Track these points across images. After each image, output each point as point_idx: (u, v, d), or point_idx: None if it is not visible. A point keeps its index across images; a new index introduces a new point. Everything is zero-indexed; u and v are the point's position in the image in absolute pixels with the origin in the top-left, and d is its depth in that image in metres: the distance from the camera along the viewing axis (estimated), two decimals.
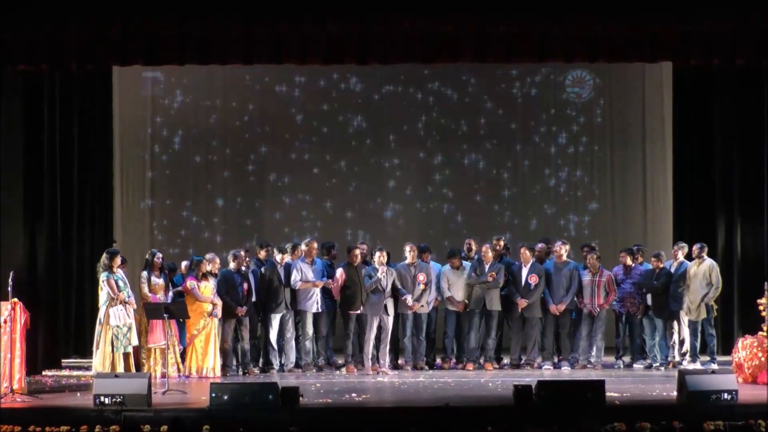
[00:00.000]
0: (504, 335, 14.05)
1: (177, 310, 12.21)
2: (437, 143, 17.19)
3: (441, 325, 13.82)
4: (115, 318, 12.05)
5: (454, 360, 13.76)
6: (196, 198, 17.09)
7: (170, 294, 12.83)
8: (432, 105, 17.16)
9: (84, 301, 14.86)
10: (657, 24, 12.38)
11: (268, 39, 12.51)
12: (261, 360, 13.44)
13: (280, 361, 13.34)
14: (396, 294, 13.26)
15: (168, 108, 16.99)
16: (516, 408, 10.12)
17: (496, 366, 13.71)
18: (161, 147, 17.01)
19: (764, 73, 13.57)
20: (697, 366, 13.08)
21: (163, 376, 12.06)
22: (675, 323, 13.63)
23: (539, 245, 14.01)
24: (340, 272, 13.30)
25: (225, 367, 12.94)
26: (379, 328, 13.18)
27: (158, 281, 12.73)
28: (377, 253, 13.18)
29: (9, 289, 11.20)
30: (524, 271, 13.55)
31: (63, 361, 14.06)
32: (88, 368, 12.95)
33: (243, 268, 13.10)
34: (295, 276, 13.21)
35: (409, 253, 13.49)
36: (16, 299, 11.32)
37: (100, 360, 12.10)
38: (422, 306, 13.46)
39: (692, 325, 13.51)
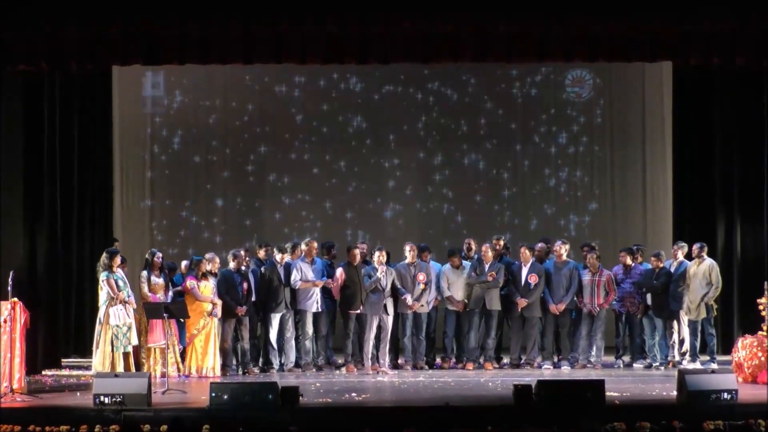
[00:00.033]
0: (504, 335, 14.05)
1: (177, 310, 12.21)
2: (437, 143, 17.19)
3: (441, 324, 13.82)
4: (115, 317, 12.06)
5: (453, 359, 13.76)
6: (196, 198, 17.08)
7: (170, 293, 12.83)
8: (432, 105, 17.15)
9: (84, 300, 14.86)
10: (657, 24, 12.39)
11: (268, 39, 12.52)
12: (261, 359, 13.44)
13: (280, 361, 13.34)
14: (396, 293, 13.27)
15: (167, 108, 16.98)
16: (516, 408, 10.12)
17: (496, 365, 13.71)
18: (161, 147, 17.01)
19: (764, 73, 13.57)
20: (697, 366, 13.09)
21: (163, 375, 12.07)
22: (675, 323, 13.63)
23: (539, 245, 14.01)
24: (339, 272, 13.30)
25: (225, 366, 12.94)
26: (379, 327, 13.19)
27: (158, 281, 12.74)
28: (377, 253, 13.18)
29: (9, 288, 11.21)
30: (524, 271, 13.56)
31: (63, 360, 14.05)
32: (88, 368, 12.96)
33: (243, 268, 13.10)
34: (295, 275, 13.22)
35: (409, 253, 13.50)
36: (15, 299, 11.33)
37: (99, 359, 12.11)
38: (422, 305, 13.46)
39: (692, 324, 13.52)
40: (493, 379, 12.55)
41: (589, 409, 9.94)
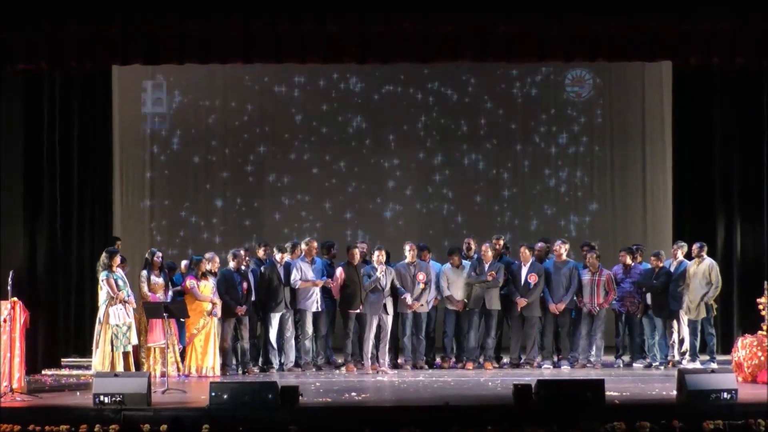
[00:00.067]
0: (503, 334, 14.05)
1: (176, 310, 12.20)
2: (437, 143, 17.19)
3: (440, 324, 13.82)
4: (115, 317, 12.06)
5: (453, 359, 13.76)
6: (195, 198, 17.08)
7: (170, 293, 12.83)
8: (432, 105, 17.15)
9: (84, 300, 14.86)
10: (657, 24, 12.40)
11: (268, 39, 12.53)
12: (260, 359, 13.45)
13: (280, 361, 13.34)
14: (395, 293, 13.26)
15: (167, 108, 16.97)
16: (516, 407, 10.12)
17: (496, 365, 13.71)
18: (160, 147, 17.00)
19: (764, 73, 13.57)
20: (697, 365, 13.08)
21: (163, 375, 12.06)
22: (675, 322, 13.62)
23: (539, 244, 14.02)
24: (339, 271, 13.30)
25: (224, 366, 12.94)
26: (379, 327, 13.18)
27: (158, 280, 12.74)
28: (376, 252, 13.18)
29: (9, 288, 11.21)
30: (524, 271, 13.56)
31: (63, 360, 14.05)
32: (88, 367, 12.96)
33: (242, 268, 13.10)
34: (295, 275, 13.22)
35: (409, 252, 13.50)
36: (15, 298, 11.33)
37: (99, 359, 12.11)
38: (422, 305, 13.46)
39: (692, 324, 13.52)
40: (492, 378, 12.55)
41: (589, 408, 9.93)
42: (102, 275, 12.19)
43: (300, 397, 10.11)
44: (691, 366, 13.00)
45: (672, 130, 16.28)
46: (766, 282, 11.91)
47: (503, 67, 16.60)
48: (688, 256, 13.63)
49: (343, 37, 12.56)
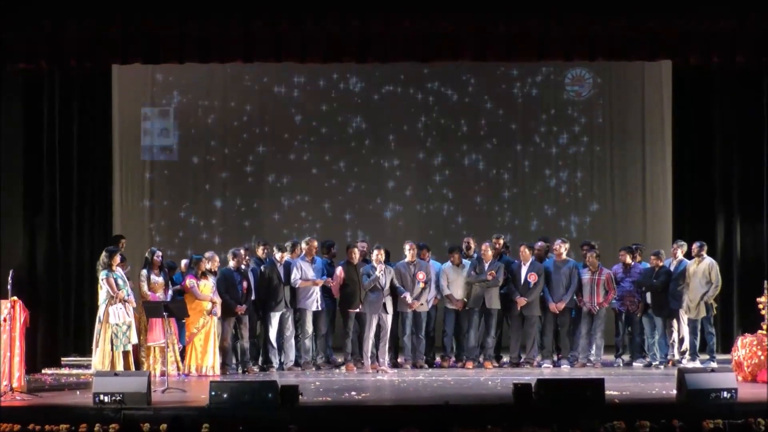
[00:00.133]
0: (503, 334, 14.05)
1: (176, 309, 12.20)
2: (437, 143, 17.18)
3: (440, 323, 13.82)
4: (115, 316, 12.05)
5: (453, 358, 13.76)
6: (195, 199, 17.06)
7: (170, 292, 12.83)
8: (432, 105, 17.14)
9: (83, 299, 14.86)
10: (657, 23, 12.39)
11: (268, 38, 12.52)
12: (260, 358, 13.45)
13: (280, 360, 13.34)
14: (395, 292, 13.26)
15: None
16: (515, 406, 10.13)
17: (496, 364, 13.71)
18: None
19: (764, 73, 13.58)
20: (697, 364, 13.08)
21: (163, 374, 12.05)
22: (674, 322, 13.61)
23: (539, 244, 14.04)
24: (339, 270, 13.31)
25: (224, 365, 12.94)
26: (379, 326, 13.18)
27: (158, 279, 12.75)
28: (375, 252, 13.18)
29: (9, 287, 11.22)
30: (524, 270, 13.56)
31: (62, 359, 14.06)
32: (88, 366, 12.96)
33: (242, 267, 13.10)
34: (295, 274, 13.22)
35: (409, 252, 13.49)
36: (15, 297, 11.33)
37: (99, 358, 12.10)
38: (422, 304, 13.46)
39: (692, 323, 13.52)
40: (492, 377, 12.55)
41: (589, 408, 9.93)
42: (102, 274, 12.19)
43: (300, 397, 10.11)
44: (690, 365, 12.99)
45: (672, 129, 16.29)
46: (766, 281, 11.92)
47: (503, 67, 16.62)
48: (688, 255, 13.63)
49: (342, 36, 12.56)
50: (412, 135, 17.15)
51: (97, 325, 12.21)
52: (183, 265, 13.60)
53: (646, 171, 16.95)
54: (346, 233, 16.75)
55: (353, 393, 11.15)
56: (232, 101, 17.06)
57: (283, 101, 17.07)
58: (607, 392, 10.28)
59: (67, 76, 14.33)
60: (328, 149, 17.09)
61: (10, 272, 11.33)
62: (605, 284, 13.52)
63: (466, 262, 13.69)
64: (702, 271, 13.37)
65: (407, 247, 13.55)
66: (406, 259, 13.50)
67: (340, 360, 13.57)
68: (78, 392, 11.29)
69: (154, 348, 12.60)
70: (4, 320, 11.12)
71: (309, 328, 13.39)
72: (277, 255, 13.37)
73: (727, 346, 13.81)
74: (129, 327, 12.17)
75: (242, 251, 13.21)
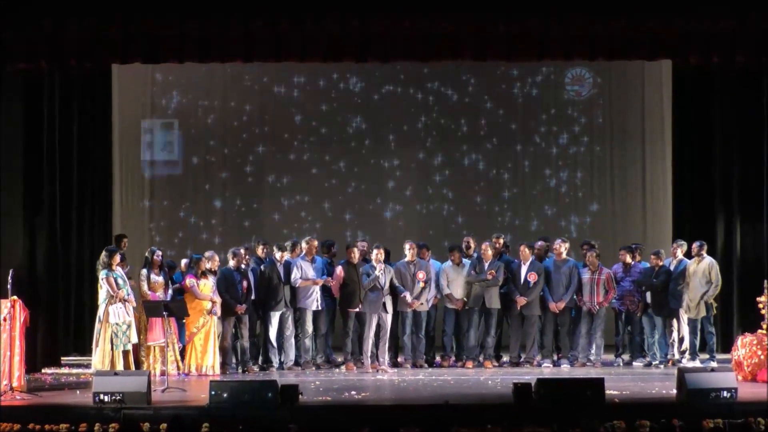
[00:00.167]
0: (503, 333, 14.05)
1: (176, 309, 12.20)
2: (437, 143, 17.17)
3: (440, 322, 13.82)
4: (115, 316, 12.06)
5: (453, 358, 13.76)
6: (195, 199, 17.06)
7: (169, 291, 12.84)
8: (432, 105, 17.14)
9: (83, 299, 14.86)
10: (657, 23, 12.39)
11: (268, 38, 12.52)
12: (260, 358, 13.45)
13: (280, 359, 13.34)
14: (394, 292, 13.26)
15: (165, 108, 16.97)
16: (515, 406, 10.13)
17: (496, 364, 13.72)
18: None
19: (764, 73, 13.58)
20: (697, 364, 13.06)
21: (163, 374, 12.05)
22: (674, 321, 13.60)
23: (539, 243, 14.05)
24: (339, 270, 13.31)
25: (224, 365, 12.94)
26: (378, 325, 13.18)
27: (158, 279, 12.75)
28: (374, 251, 13.18)
29: (9, 287, 11.22)
30: (523, 269, 13.56)
31: (62, 358, 14.06)
32: (88, 366, 12.95)
33: (242, 266, 13.10)
34: (295, 274, 13.22)
35: (409, 251, 13.49)
36: (15, 297, 11.33)
37: (99, 358, 12.11)
38: (422, 304, 13.46)
39: (692, 323, 13.51)
40: (492, 377, 12.55)
41: (589, 407, 9.92)
42: (102, 274, 12.19)
43: (300, 396, 10.10)
44: (690, 365, 12.98)
45: (672, 129, 16.29)
46: (766, 281, 11.92)
47: (503, 67, 16.62)
48: (688, 254, 13.62)
49: (342, 36, 12.56)
50: (412, 135, 17.15)
51: (97, 325, 12.21)
52: (183, 264, 13.59)
53: (646, 171, 16.96)
54: (346, 233, 16.74)
55: (353, 392, 11.15)
56: (232, 101, 17.06)
57: (283, 101, 17.07)
58: (607, 392, 10.27)
59: (67, 76, 14.32)
60: (328, 149, 17.09)
61: (10, 272, 11.33)
62: (605, 284, 13.52)
63: (466, 261, 13.69)
64: (702, 270, 13.37)
65: (407, 246, 13.55)
66: (406, 259, 13.50)
67: (340, 359, 13.56)
68: (78, 392, 11.29)
69: (154, 347, 12.60)
70: (4, 320, 11.13)
71: (309, 327, 13.39)
72: (277, 254, 13.37)
73: (727, 345, 13.81)
74: (129, 326, 12.17)
75: (242, 251, 13.22)
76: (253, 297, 13.18)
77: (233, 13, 12.34)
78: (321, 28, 12.42)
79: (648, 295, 13.60)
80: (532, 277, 13.46)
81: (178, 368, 12.67)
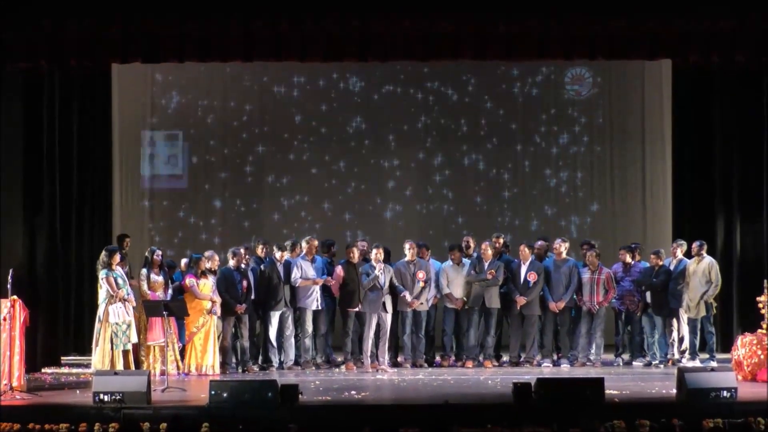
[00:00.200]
0: (503, 333, 14.04)
1: (176, 308, 12.20)
2: (437, 143, 17.16)
3: (440, 322, 13.81)
4: (115, 315, 12.06)
5: (453, 357, 13.75)
6: (195, 199, 17.05)
7: (169, 291, 12.83)
8: (432, 105, 17.13)
9: (83, 298, 14.85)
10: (656, 23, 12.40)
11: (268, 38, 12.53)
12: (260, 357, 13.45)
13: (280, 359, 13.34)
14: (394, 291, 13.26)
15: (165, 108, 16.96)
16: (515, 405, 10.14)
17: (496, 363, 13.71)
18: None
19: (764, 73, 13.58)
20: (697, 364, 13.07)
21: (163, 373, 12.04)
22: (674, 321, 13.60)
23: (538, 243, 14.05)
24: (339, 269, 13.31)
25: (224, 364, 12.94)
26: (378, 325, 13.18)
27: (157, 278, 12.75)
28: (374, 251, 13.18)
29: (9, 286, 11.22)
30: (523, 269, 13.56)
31: (62, 358, 14.04)
32: (88, 366, 12.95)
33: (242, 266, 13.10)
34: (295, 273, 13.22)
35: (409, 251, 13.49)
36: (15, 297, 11.33)
37: (99, 357, 12.11)
38: (421, 303, 13.46)
39: (692, 322, 13.51)
40: (492, 377, 12.55)
41: (589, 407, 9.93)
42: (102, 273, 12.20)
43: (300, 396, 10.11)
44: (690, 364, 12.98)
45: (672, 129, 16.28)
46: (766, 281, 11.91)
47: (503, 66, 16.62)
48: (688, 254, 13.62)
49: (342, 36, 12.57)
50: (412, 135, 17.14)
51: (96, 324, 12.22)
52: (183, 264, 13.59)
53: (646, 171, 16.95)
54: (346, 233, 16.73)
55: (353, 392, 11.15)
56: (232, 101, 17.04)
57: (283, 101, 17.06)
58: (607, 391, 10.29)
59: (67, 76, 14.32)
60: (327, 149, 17.08)
61: (10, 272, 11.33)
62: (605, 283, 13.52)
63: (466, 261, 13.69)
64: (702, 270, 13.37)
65: (407, 246, 13.55)
66: (406, 258, 13.50)
67: (339, 359, 13.56)
68: (78, 391, 11.29)
69: (154, 347, 12.60)
70: (4, 319, 11.13)
71: (309, 327, 13.38)
72: (277, 254, 13.37)
73: (727, 345, 13.81)
74: (129, 326, 12.17)
75: (242, 250, 13.21)
76: (253, 297, 13.18)
77: (233, 13, 12.34)
78: (321, 28, 12.42)
79: (648, 294, 13.60)
80: (532, 277, 13.47)
81: (178, 368, 12.67)
